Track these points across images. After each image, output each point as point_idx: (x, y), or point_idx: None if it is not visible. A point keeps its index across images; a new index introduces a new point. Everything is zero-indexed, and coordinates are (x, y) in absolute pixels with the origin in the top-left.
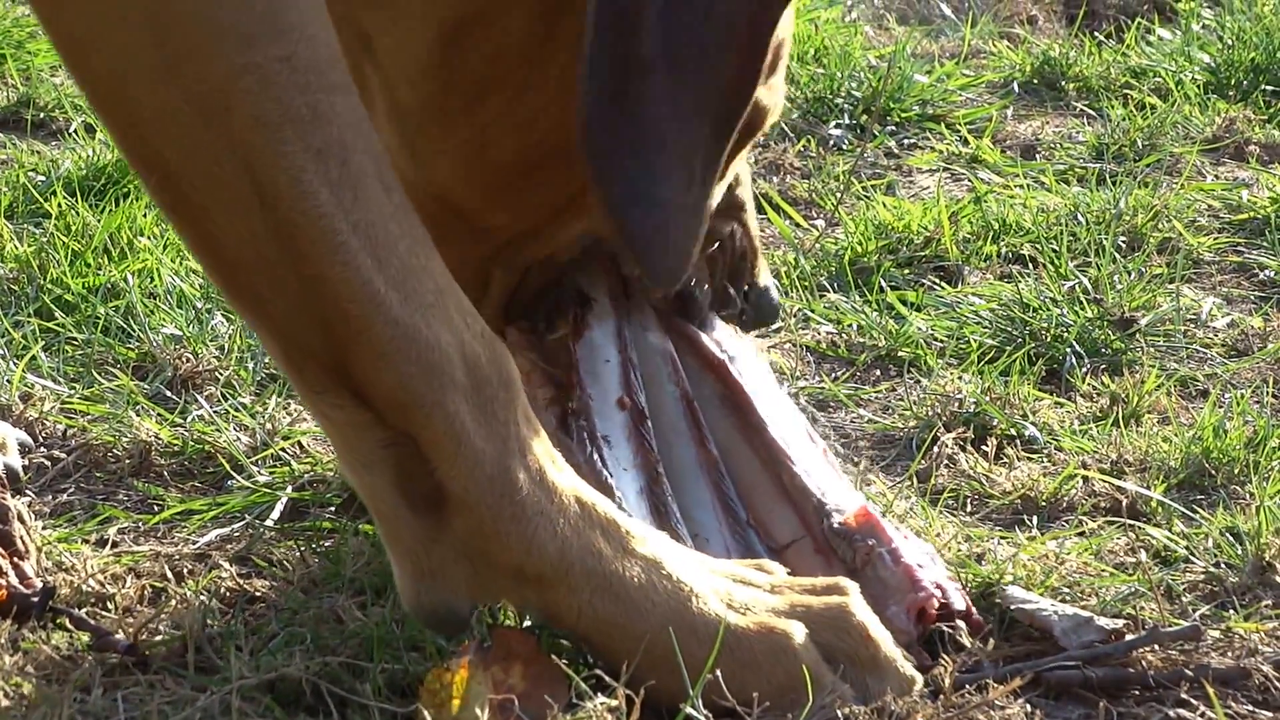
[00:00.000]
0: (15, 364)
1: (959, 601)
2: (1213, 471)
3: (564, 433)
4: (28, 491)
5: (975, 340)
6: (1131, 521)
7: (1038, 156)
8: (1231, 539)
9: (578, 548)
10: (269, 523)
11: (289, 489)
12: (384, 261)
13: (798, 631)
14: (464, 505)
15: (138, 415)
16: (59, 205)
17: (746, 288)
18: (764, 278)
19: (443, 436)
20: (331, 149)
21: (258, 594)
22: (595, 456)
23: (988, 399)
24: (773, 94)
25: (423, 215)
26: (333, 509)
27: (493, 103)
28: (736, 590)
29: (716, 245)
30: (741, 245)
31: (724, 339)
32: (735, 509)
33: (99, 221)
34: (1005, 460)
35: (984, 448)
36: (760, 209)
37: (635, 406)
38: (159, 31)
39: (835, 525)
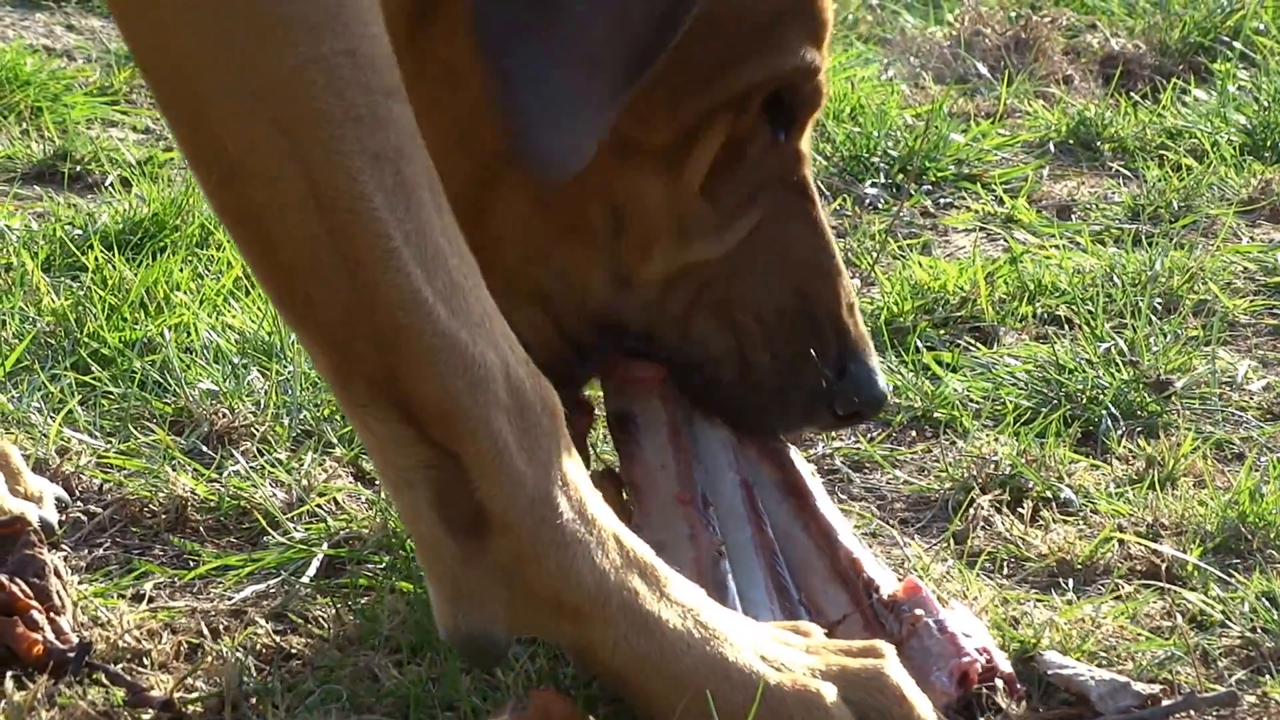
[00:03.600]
0: (52, 418)
1: (1004, 665)
2: (1249, 535)
3: None
4: (64, 546)
5: (1011, 402)
6: (1168, 585)
7: (1073, 217)
8: (1268, 604)
9: (616, 582)
10: (305, 579)
11: (325, 545)
12: (433, 274)
13: (831, 691)
14: (504, 526)
15: (174, 470)
16: (96, 259)
17: (840, 370)
18: (867, 360)
19: (486, 453)
20: (388, 155)
21: (294, 651)
22: None
23: (1023, 461)
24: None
25: None
26: (369, 566)
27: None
28: (772, 647)
29: (763, 318)
30: (812, 318)
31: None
32: (788, 588)
33: (136, 275)
34: (1041, 523)
35: (1020, 510)
36: None
37: (695, 496)
38: (227, 22)
39: (884, 597)
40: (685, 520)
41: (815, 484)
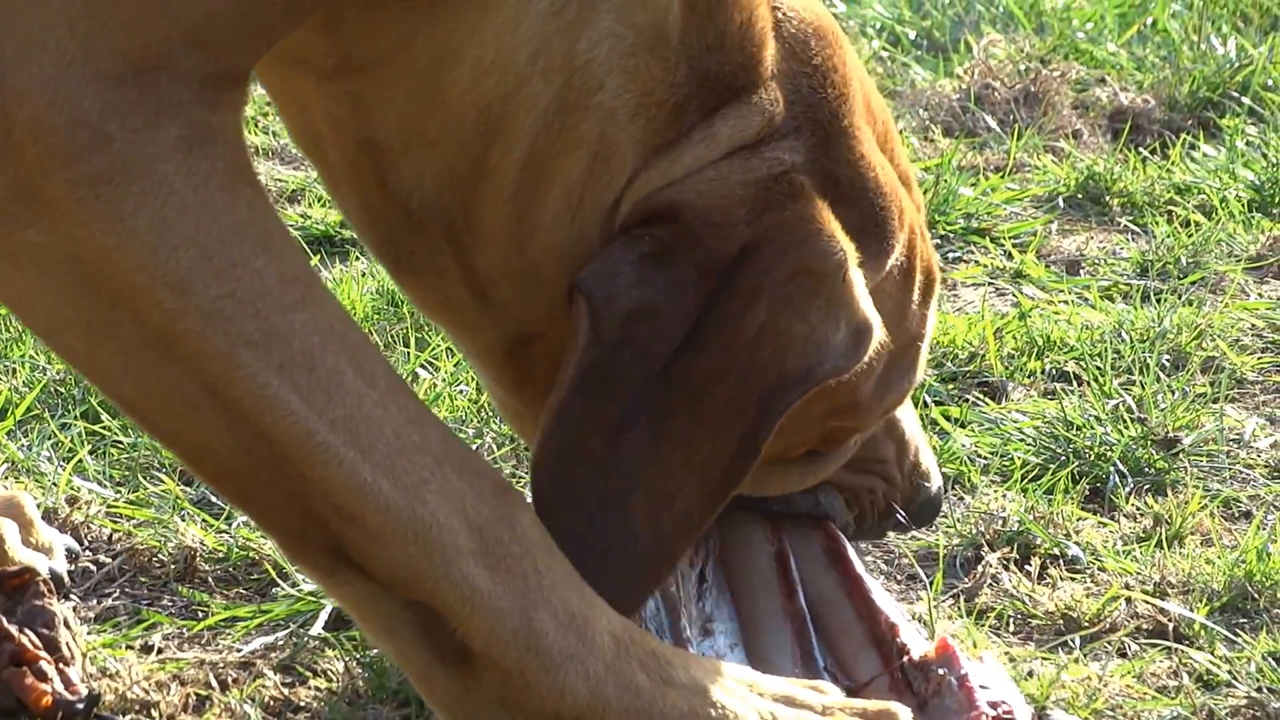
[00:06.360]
0: (62, 467)
1: (1023, 719)
2: (1256, 595)
3: None
4: (73, 596)
5: (1019, 458)
6: (1174, 644)
7: (1082, 272)
8: (1275, 663)
9: (613, 686)
10: (314, 631)
11: None
12: (369, 450)
13: None
14: (489, 662)
15: (183, 520)
16: None
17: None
18: (929, 489)
19: (454, 604)
20: (295, 361)
21: (302, 704)
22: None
23: (1031, 518)
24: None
25: None
26: None
27: None
28: (783, 713)
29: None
30: (886, 499)
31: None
32: (814, 655)
33: None
34: (1048, 580)
35: (1027, 567)
36: None
37: (699, 571)
38: (86, 289)
39: (915, 658)
40: (694, 584)
41: (851, 550)
